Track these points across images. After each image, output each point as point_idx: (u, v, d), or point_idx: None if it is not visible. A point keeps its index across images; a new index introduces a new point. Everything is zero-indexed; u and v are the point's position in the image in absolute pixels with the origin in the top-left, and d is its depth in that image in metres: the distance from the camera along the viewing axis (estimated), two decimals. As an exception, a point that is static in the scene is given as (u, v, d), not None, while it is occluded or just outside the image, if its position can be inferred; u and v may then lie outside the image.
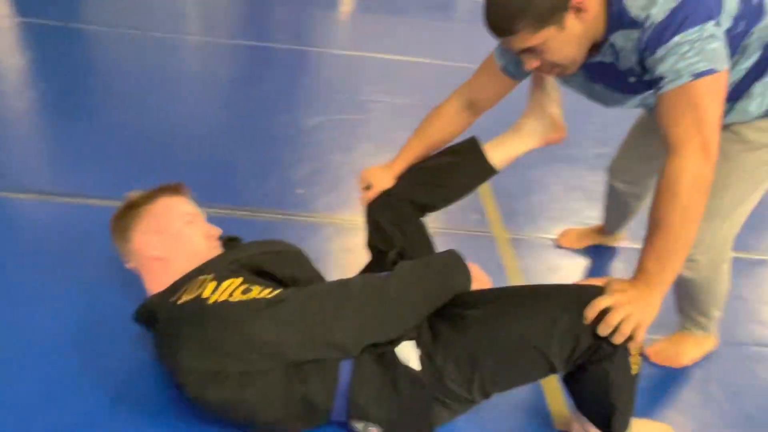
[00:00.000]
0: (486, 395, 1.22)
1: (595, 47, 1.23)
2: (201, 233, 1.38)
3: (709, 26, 1.08)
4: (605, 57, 1.25)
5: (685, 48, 1.08)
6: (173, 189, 1.45)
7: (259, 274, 1.27)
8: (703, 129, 1.09)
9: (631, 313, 1.09)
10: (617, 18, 1.17)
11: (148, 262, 1.34)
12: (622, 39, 1.19)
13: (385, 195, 1.50)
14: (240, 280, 1.17)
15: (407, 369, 1.19)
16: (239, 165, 2.35)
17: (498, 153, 1.51)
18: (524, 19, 1.12)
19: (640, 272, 1.15)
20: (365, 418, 1.18)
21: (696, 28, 1.08)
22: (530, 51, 1.18)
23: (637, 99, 1.34)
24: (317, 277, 1.39)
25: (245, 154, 2.44)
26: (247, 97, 3.02)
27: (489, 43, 1.32)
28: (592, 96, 1.42)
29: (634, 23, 1.14)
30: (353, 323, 1.13)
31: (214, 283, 1.16)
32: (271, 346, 1.10)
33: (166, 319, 1.19)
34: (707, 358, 1.64)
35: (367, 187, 1.51)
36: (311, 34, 4.35)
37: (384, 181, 1.50)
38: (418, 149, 1.51)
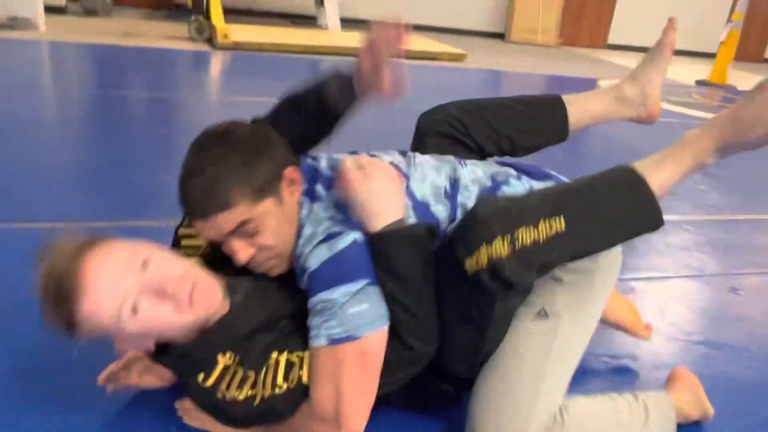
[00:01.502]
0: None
1: None
2: (184, 302, 1.02)
3: (354, 287, 1.01)
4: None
5: (327, 307, 1.01)
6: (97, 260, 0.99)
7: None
8: (337, 396, 1.00)
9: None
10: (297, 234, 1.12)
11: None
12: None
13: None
14: (273, 369, 1.06)
15: (435, 383, 1.20)
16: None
17: (580, 112, 1.48)
18: (242, 188, 1.04)
19: None
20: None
21: (341, 289, 1.01)
22: (242, 233, 1.06)
23: None
24: None
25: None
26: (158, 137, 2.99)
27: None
28: None
29: (296, 260, 1.11)
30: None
31: (251, 378, 1.05)
32: None
33: (201, 400, 1.10)
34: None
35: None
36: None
37: None
38: None
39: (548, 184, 1.24)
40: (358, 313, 1.01)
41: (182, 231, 1.29)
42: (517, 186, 1.22)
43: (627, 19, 9.97)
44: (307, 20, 7.94)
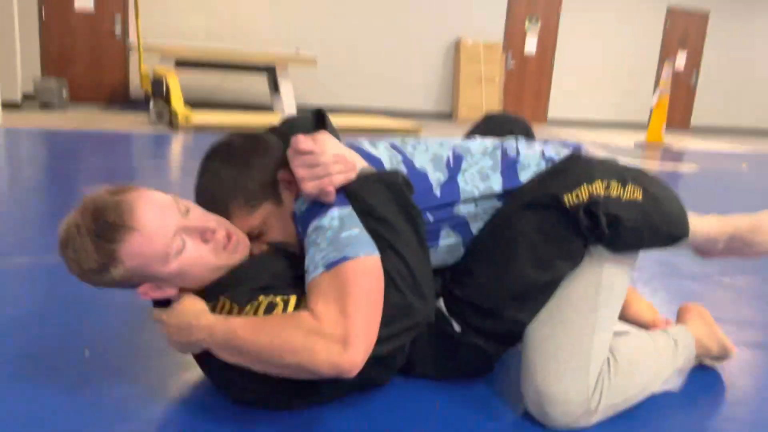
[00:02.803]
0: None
1: None
2: (203, 251, 1.06)
3: (344, 212, 1.05)
4: None
5: (319, 237, 1.03)
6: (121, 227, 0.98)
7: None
8: (346, 315, 0.95)
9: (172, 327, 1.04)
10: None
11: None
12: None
13: None
14: (255, 308, 1.06)
15: (471, 344, 1.21)
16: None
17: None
18: (237, 201, 1.12)
19: (225, 319, 1.02)
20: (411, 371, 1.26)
21: (327, 216, 1.04)
22: (250, 236, 1.15)
23: None
24: None
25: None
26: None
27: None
28: None
29: (294, 216, 1.14)
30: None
31: (235, 311, 1.07)
32: None
33: None
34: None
35: None
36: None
37: None
38: None
39: (549, 147, 1.33)
40: (350, 237, 1.01)
41: None
42: (529, 153, 1.27)
43: (563, 95, 10.69)
44: (263, 109, 8.20)
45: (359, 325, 0.95)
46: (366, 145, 1.23)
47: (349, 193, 1.07)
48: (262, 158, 1.16)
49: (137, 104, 7.81)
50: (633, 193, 1.15)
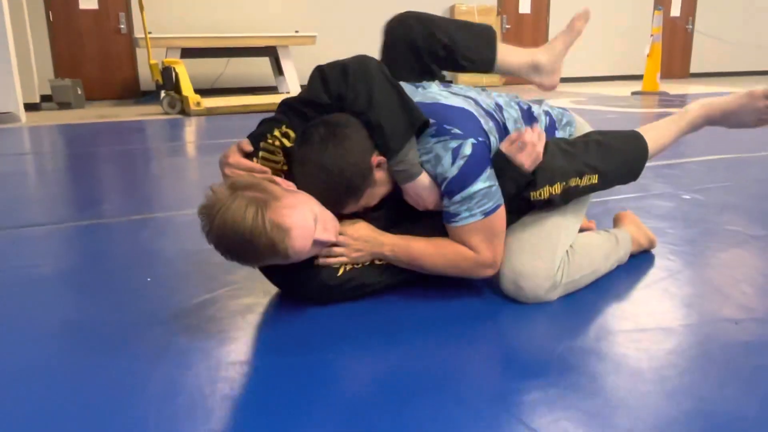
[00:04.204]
0: None
1: None
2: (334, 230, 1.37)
3: (489, 172, 1.38)
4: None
5: (477, 196, 1.36)
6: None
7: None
8: (494, 247, 1.41)
9: (352, 253, 1.40)
10: None
11: None
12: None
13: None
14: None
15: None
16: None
17: (505, 56, 1.67)
18: (346, 201, 1.37)
19: (396, 237, 1.42)
20: None
21: (478, 182, 1.36)
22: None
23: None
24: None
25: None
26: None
27: None
28: None
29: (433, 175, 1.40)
30: None
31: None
32: None
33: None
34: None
35: None
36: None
37: None
38: None
39: (520, 99, 1.62)
40: (495, 190, 1.39)
41: (265, 145, 1.44)
42: (507, 99, 1.59)
43: (561, 54, 10.80)
44: (268, 91, 8.46)
45: (499, 251, 1.43)
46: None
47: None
48: (349, 150, 1.32)
49: (149, 96, 8.12)
50: (589, 180, 1.50)
